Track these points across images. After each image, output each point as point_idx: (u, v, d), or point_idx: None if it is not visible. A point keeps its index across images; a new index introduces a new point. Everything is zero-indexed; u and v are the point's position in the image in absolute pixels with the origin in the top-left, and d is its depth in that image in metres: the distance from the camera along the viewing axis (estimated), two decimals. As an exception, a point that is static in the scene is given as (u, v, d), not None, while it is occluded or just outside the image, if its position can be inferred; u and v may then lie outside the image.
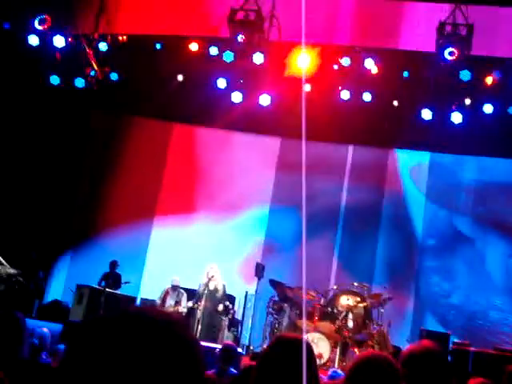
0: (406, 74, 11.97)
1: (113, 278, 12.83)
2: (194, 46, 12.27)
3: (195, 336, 1.53)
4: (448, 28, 10.53)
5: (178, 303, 11.60)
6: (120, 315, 1.40)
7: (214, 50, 12.21)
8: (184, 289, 11.91)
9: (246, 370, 4.56)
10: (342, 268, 13.94)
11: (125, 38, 12.59)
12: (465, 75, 10.86)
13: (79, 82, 12.24)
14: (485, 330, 13.07)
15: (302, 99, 13.16)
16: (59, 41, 11.47)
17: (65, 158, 14.22)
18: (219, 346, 7.74)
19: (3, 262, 11.10)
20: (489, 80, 11.54)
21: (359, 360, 3.07)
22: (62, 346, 6.77)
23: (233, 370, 6.56)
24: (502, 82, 11.56)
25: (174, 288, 11.72)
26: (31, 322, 10.26)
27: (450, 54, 10.41)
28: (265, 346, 9.10)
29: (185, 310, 11.48)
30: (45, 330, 6.30)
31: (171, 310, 11.48)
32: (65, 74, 12.27)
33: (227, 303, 10.99)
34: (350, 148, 14.72)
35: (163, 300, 11.71)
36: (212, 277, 10.78)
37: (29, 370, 4.09)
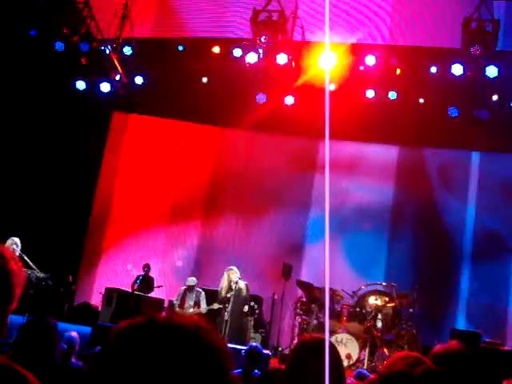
0: (433, 69, 11.78)
1: (146, 281, 12.91)
2: (216, 49, 12.31)
3: (222, 340, 1.53)
4: (473, 24, 10.41)
5: (196, 303, 11.58)
6: (148, 322, 1.41)
7: (237, 52, 12.24)
8: (203, 290, 11.89)
9: (267, 373, 4.56)
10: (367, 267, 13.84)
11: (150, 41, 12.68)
12: (492, 71, 10.72)
13: (105, 87, 12.33)
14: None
15: (326, 99, 13.14)
16: (84, 46, 11.57)
17: (87, 160, 14.35)
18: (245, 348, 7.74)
19: (32, 265, 11.22)
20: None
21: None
22: (93, 350, 6.81)
23: (257, 371, 6.54)
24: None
25: (190, 288, 11.70)
26: (61, 326, 10.37)
27: (476, 50, 10.29)
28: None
29: (204, 311, 11.46)
30: (73, 333, 6.33)
31: (191, 310, 11.48)
32: (90, 78, 12.37)
33: (252, 303, 10.99)
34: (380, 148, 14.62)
35: (182, 300, 11.70)
36: (232, 280, 10.80)
37: (61, 374, 4.13)
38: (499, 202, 13.49)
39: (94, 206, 14.88)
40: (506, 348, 10.83)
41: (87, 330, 10.28)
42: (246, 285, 11.28)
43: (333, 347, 2.96)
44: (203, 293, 11.72)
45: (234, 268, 11.28)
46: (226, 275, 11.21)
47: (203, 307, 11.54)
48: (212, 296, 11.65)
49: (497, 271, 13.32)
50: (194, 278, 11.88)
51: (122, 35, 12.00)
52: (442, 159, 14.23)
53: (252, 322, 11.47)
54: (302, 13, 11.38)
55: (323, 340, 2.83)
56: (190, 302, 11.64)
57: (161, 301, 12.54)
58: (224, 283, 11.17)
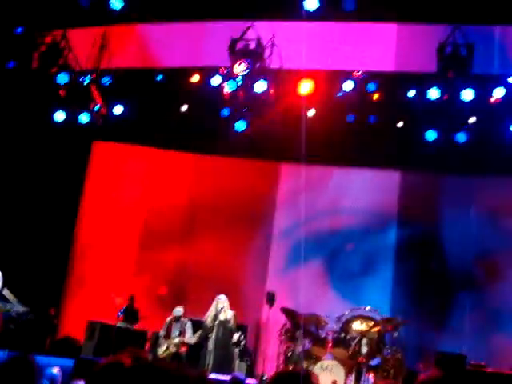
0: (411, 94, 11.96)
1: (131, 312, 12.82)
2: (195, 77, 12.39)
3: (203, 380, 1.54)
4: (448, 49, 10.56)
5: (182, 333, 11.52)
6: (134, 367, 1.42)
7: (216, 80, 12.30)
8: (190, 320, 11.82)
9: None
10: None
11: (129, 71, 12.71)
12: (467, 94, 10.84)
13: (84, 118, 12.31)
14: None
15: (303, 124, 13.27)
16: (63, 78, 11.55)
17: (68, 191, 14.29)
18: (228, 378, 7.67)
19: (12, 299, 11.07)
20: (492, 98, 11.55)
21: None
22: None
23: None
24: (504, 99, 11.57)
25: (177, 319, 11.65)
26: (43, 359, 10.22)
27: (451, 74, 10.44)
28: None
29: (190, 341, 11.39)
30: (55, 370, 6.25)
31: (177, 340, 11.39)
32: (69, 110, 12.35)
33: (239, 333, 10.92)
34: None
35: (168, 331, 11.63)
36: (222, 308, 10.72)
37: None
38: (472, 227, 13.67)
39: (75, 237, 14.78)
40: (490, 370, 10.83)
41: (70, 363, 10.16)
42: (234, 315, 11.20)
43: (309, 380, 2.95)
44: (189, 322, 11.65)
45: (223, 297, 11.22)
46: (214, 304, 11.14)
47: (188, 337, 11.46)
48: (198, 325, 11.59)
49: (485, 297, 13.39)
50: (180, 309, 11.80)
51: (101, 66, 12.02)
52: (418, 181, 14.37)
53: (238, 352, 11.40)
54: (279, 40, 11.47)
55: (299, 373, 2.83)
56: (175, 332, 11.57)
57: (144, 333, 12.41)
58: (211, 312, 11.09)
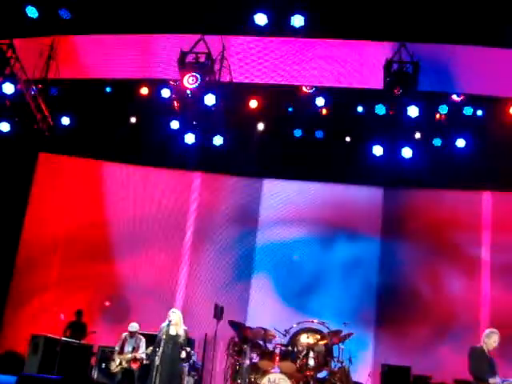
0: (359, 109, 12.22)
1: (78, 327, 12.61)
2: (144, 90, 12.38)
3: None
4: (395, 66, 10.78)
5: (135, 349, 11.41)
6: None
7: (165, 93, 12.30)
8: (144, 334, 11.71)
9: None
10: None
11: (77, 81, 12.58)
12: (413, 111, 11.07)
13: (30, 128, 12.11)
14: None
15: (254, 138, 13.38)
16: (8, 88, 11.35)
17: (13, 202, 14.05)
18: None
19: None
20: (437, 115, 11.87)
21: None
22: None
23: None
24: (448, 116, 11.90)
25: (132, 334, 11.54)
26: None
27: (397, 90, 10.65)
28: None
29: (143, 356, 11.28)
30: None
31: (129, 355, 11.28)
32: (15, 120, 12.13)
33: (188, 349, 10.82)
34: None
35: (122, 347, 11.51)
36: (171, 321, 10.59)
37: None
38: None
39: (19, 250, 14.48)
40: (434, 381, 11.04)
41: (12, 379, 9.92)
42: (185, 330, 11.08)
43: None
44: (144, 339, 11.51)
45: (175, 311, 11.08)
46: (168, 317, 11.01)
47: (140, 351, 11.33)
48: (153, 341, 11.47)
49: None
50: (135, 324, 11.65)
51: (48, 76, 11.87)
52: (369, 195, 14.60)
53: (187, 368, 11.31)
54: (229, 54, 11.52)
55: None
56: (129, 348, 11.43)
57: (90, 347, 12.22)
58: (164, 325, 10.96)
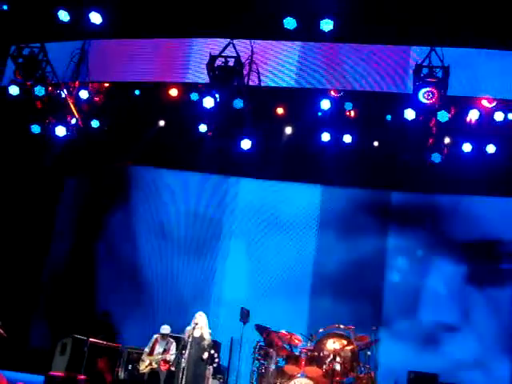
0: (388, 117, 12.19)
1: (105, 328, 12.73)
2: (173, 92, 12.44)
3: None
4: (424, 70, 10.69)
5: (166, 351, 11.45)
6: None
7: (194, 96, 12.35)
8: (174, 337, 11.74)
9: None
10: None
11: (106, 85, 12.69)
12: (443, 116, 10.96)
13: (60, 131, 12.22)
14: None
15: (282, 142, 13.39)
16: (40, 91, 11.49)
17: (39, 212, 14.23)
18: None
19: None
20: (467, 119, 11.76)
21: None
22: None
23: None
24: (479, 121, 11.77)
25: (164, 336, 11.58)
26: (10, 374, 10.08)
27: (427, 95, 10.54)
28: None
29: (173, 358, 11.31)
30: (19, 385, 6.11)
31: (159, 356, 11.32)
32: (46, 122, 12.27)
33: (212, 351, 10.84)
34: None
35: (152, 348, 11.56)
36: (196, 324, 10.63)
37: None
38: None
39: (51, 250, 14.70)
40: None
41: (39, 379, 10.04)
42: (210, 333, 11.12)
43: None
44: (174, 342, 11.54)
45: (203, 314, 11.14)
46: (194, 320, 11.06)
47: (171, 353, 11.37)
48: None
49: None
50: (167, 326, 11.72)
51: (79, 79, 11.99)
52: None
53: (211, 370, 11.32)
54: (257, 58, 11.53)
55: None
56: (159, 350, 11.49)
57: (117, 348, 12.30)
58: (189, 328, 11.01)
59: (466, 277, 13.72)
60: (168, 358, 11.28)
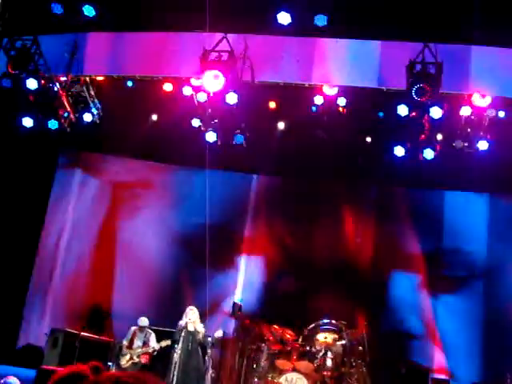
0: (381, 114, 12.21)
1: (97, 322, 12.72)
2: (167, 87, 12.39)
3: None
4: (417, 66, 10.70)
5: (145, 344, 11.49)
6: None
7: (187, 90, 12.31)
8: (152, 329, 11.78)
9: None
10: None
11: (99, 78, 12.63)
12: (436, 112, 10.98)
13: (52, 124, 12.17)
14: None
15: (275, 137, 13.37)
16: (32, 83, 11.42)
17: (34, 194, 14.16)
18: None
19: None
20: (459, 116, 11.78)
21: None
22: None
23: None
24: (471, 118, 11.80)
25: (142, 329, 11.60)
26: (1, 368, 10.06)
27: (420, 91, 10.55)
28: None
29: (153, 349, 11.36)
30: (11, 379, 6.09)
31: (139, 350, 11.34)
32: (38, 116, 12.21)
33: (209, 339, 10.95)
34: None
35: (131, 341, 11.56)
36: (189, 319, 10.67)
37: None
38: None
39: (39, 245, 14.62)
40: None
41: (31, 373, 9.99)
42: (203, 327, 11.16)
43: None
44: (153, 334, 11.61)
45: (194, 308, 11.17)
46: (185, 314, 11.09)
47: (152, 346, 11.40)
48: (162, 335, 11.57)
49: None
50: (145, 319, 11.75)
51: (71, 72, 11.93)
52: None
53: (207, 363, 11.36)
54: (251, 53, 11.50)
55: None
56: (138, 343, 11.51)
57: (109, 343, 12.28)
58: (182, 322, 11.02)
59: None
60: (150, 350, 11.34)
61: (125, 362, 11.35)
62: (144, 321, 11.68)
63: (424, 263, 13.95)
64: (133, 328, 11.73)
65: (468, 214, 14.05)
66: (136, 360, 11.35)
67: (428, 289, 13.84)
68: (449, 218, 14.16)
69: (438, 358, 13.25)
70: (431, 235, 14.15)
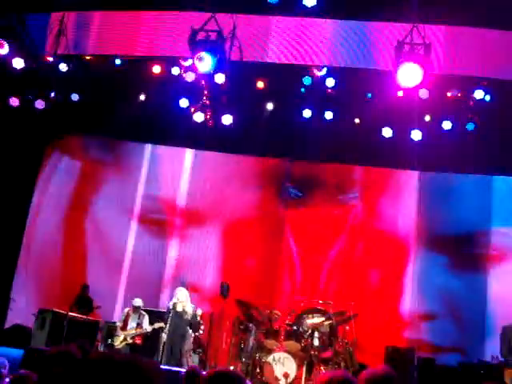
0: (369, 95, 12.22)
1: (84, 302, 12.73)
2: (156, 69, 12.35)
3: (156, 370, 1.63)
4: (406, 47, 10.67)
5: (139, 325, 11.52)
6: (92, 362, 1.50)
7: (175, 70, 12.25)
8: (146, 310, 11.82)
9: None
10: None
11: (87, 58, 12.53)
12: (423, 93, 11.01)
13: (39, 104, 12.09)
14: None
15: (263, 118, 13.35)
16: (18, 63, 11.32)
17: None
18: (184, 370, 7.69)
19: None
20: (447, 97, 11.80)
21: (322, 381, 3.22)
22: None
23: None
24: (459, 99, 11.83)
25: (135, 310, 11.63)
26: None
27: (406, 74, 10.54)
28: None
29: (146, 331, 11.41)
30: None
31: (133, 331, 11.38)
32: (24, 95, 12.12)
33: (198, 319, 11.02)
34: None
35: (125, 322, 11.59)
36: (178, 299, 10.70)
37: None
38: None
39: (27, 224, 14.58)
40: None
41: (19, 353, 9.99)
42: (193, 307, 11.20)
43: (240, 380, 3.12)
44: (147, 315, 11.62)
45: (183, 289, 11.21)
46: (174, 295, 11.12)
47: (145, 327, 11.43)
48: (155, 317, 11.62)
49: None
50: (139, 300, 11.75)
51: (58, 52, 11.82)
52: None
53: (191, 345, 11.43)
54: (240, 33, 11.45)
55: (227, 373, 2.98)
56: (132, 324, 11.53)
57: (97, 322, 12.31)
58: (171, 303, 11.06)
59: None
60: (142, 332, 11.39)
61: (118, 342, 11.40)
62: (138, 301, 11.70)
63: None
64: (126, 309, 11.77)
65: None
66: (130, 341, 11.40)
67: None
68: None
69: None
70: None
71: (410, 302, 13.78)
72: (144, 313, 11.68)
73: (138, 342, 11.44)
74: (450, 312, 13.47)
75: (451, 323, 13.38)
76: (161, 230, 14.76)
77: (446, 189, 14.00)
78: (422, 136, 12.33)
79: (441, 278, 13.60)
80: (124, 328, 11.50)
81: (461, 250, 13.77)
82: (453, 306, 13.46)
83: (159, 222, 14.83)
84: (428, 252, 13.92)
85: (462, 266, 13.69)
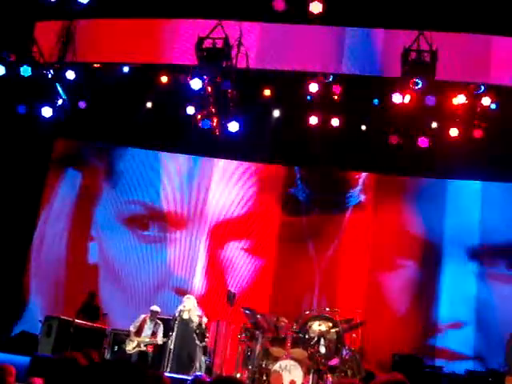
0: (375, 101, 12.20)
1: (91, 309, 12.71)
2: (164, 79, 12.41)
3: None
4: (412, 54, 10.68)
5: (154, 334, 11.41)
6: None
7: (182, 78, 12.27)
8: (163, 319, 11.73)
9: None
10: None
11: (95, 65, 12.58)
12: (430, 100, 10.98)
13: (47, 112, 12.12)
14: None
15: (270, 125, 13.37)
16: (26, 71, 11.37)
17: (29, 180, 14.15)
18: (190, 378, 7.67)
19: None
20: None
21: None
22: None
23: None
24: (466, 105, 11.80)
25: (152, 317, 11.54)
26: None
27: (414, 83, 10.54)
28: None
29: (160, 342, 11.31)
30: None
31: (147, 340, 11.28)
32: (32, 103, 12.15)
33: (204, 327, 10.97)
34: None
35: (139, 329, 11.47)
36: (184, 307, 10.68)
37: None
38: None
39: (36, 229, 14.63)
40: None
41: (26, 360, 10.01)
42: (199, 316, 11.16)
43: None
44: (162, 325, 11.51)
45: (191, 297, 11.19)
46: (182, 302, 11.10)
47: (159, 338, 11.34)
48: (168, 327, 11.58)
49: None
50: (157, 308, 11.70)
51: (65, 60, 11.87)
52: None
53: (200, 352, 11.39)
54: (246, 40, 11.48)
55: (230, 380, 2.95)
56: (147, 332, 11.41)
57: (103, 330, 12.29)
58: (177, 311, 11.04)
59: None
60: (160, 342, 11.27)
61: (131, 348, 11.26)
62: (156, 308, 11.64)
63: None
64: (142, 316, 11.64)
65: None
66: (143, 348, 11.28)
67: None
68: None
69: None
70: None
71: (434, 309, 13.66)
72: (160, 322, 11.58)
73: (150, 350, 11.36)
74: (475, 320, 13.31)
75: (475, 331, 13.24)
76: (162, 238, 14.76)
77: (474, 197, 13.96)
78: (429, 143, 12.29)
79: (468, 285, 13.48)
80: (138, 334, 11.40)
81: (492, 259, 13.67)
82: (480, 315, 13.30)
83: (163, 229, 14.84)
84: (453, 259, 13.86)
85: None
